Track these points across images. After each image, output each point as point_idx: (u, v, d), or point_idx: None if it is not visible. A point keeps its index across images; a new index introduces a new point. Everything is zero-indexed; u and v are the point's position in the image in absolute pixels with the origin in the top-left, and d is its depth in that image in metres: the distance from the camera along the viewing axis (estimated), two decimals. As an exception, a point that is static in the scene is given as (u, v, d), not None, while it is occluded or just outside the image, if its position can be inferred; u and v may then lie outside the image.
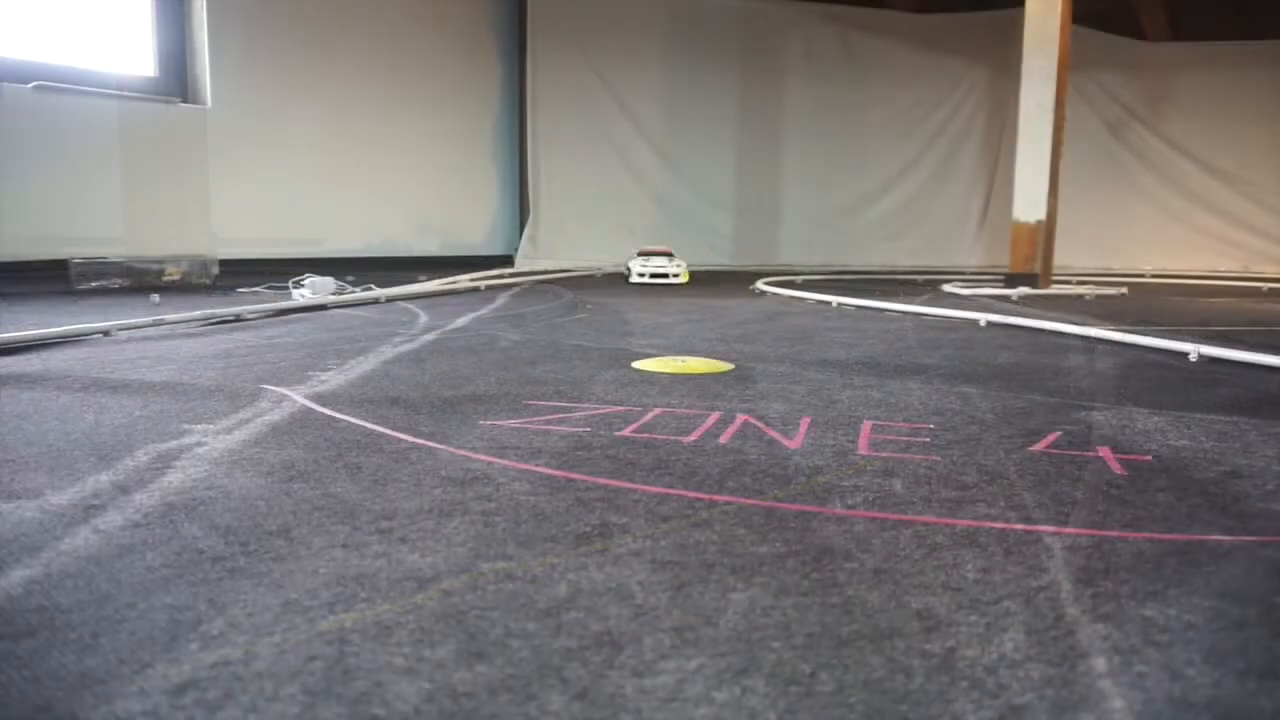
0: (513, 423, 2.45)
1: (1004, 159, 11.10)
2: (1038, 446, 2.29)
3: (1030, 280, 7.45)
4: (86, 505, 1.71)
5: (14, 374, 3.04)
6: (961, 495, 1.86)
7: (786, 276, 8.89)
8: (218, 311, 4.69)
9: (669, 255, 8.33)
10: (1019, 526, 1.67)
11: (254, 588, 1.35)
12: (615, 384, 3.04)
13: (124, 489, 1.81)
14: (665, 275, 8.03)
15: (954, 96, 11.69)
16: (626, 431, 2.37)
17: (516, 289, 7.22)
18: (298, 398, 2.72)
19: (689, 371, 3.32)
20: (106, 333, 3.94)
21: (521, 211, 10.55)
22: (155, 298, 5.53)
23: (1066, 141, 7.71)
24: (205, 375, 3.08)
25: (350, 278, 6.45)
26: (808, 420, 2.55)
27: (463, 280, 7.14)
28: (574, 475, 1.96)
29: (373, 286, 6.05)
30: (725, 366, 3.43)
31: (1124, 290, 7.71)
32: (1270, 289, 8.46)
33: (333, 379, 3.05)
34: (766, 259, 11.26)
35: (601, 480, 1.93)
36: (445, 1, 9.78)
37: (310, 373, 3.15)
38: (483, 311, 5.39)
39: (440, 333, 4.34)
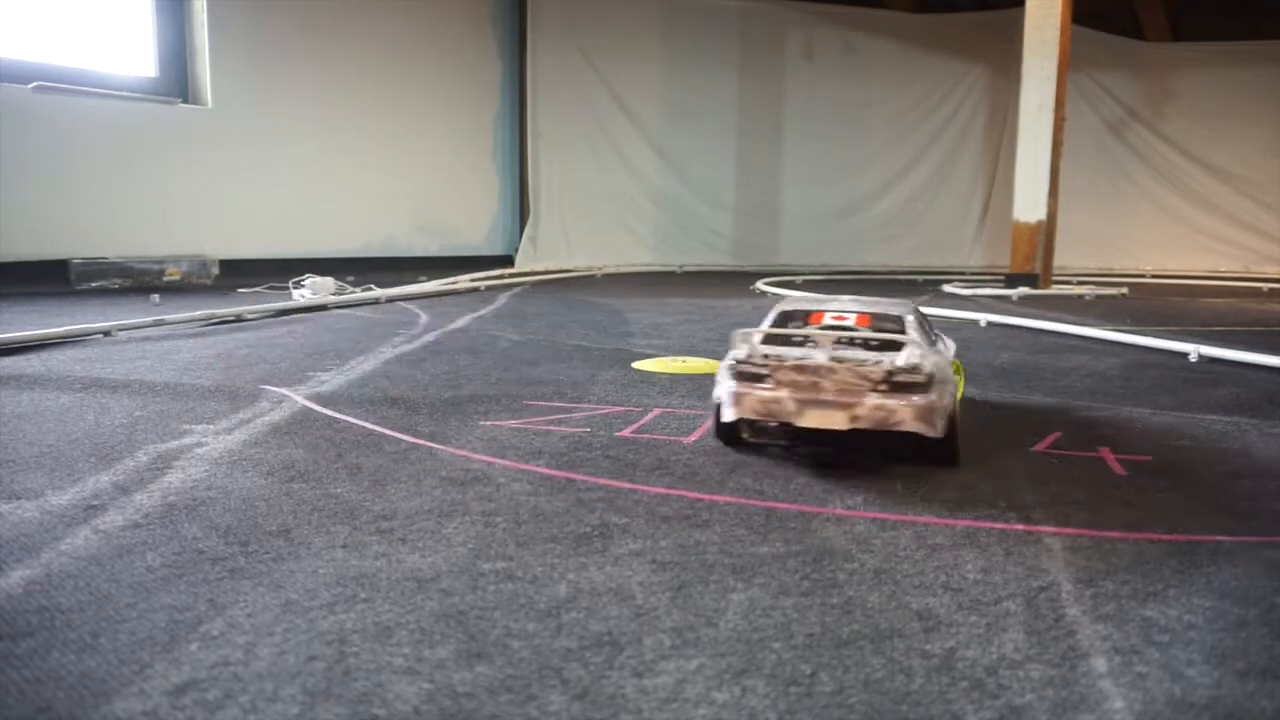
0: (513, 423, 2.45)
1: (1004, 159, 11.09)
2: (1038, 447, 2.29)
3: (1030, 280, 7.45)
4: (86, 506, 1.71)
5: (14, 374, 3.04)
6: (961, 495, 1.86)
7: (787, 277, 8.89)
8: (218, 312, 4.69)
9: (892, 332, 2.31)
10: (1019, 527, 1.67)
11: (254, 588, 1.35)
12: (615, 384, 3.04)
13: (124, 489, 1.81)
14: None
15: (954, 96, 11.69)
16: (626, 432, 2.37)
17: (517, 289, 7.21)
18: (298, 398, 2.72)
19: (689, 371, 3.32)
20: (107, 333, 3.94)
21: (521, 212, 10.54)
22: (155, 298, 5.53)
23: (1066, 141, 7.71)
24: (205, 375, 3.08)
25: (350, 278, 6.45)
26: (808, 420, 2.54)
27: (463, 281, 7.14)
28: (574, 476, 1.96)
29: (373, 286, 6.05)
30: (725, 366, 3.43)
31: (1124, 290, 7.71)
32: (1271, 289, 8.46)
33: (333, 379, 3.05)
34: (767, 259, 11.25)
35: (602, 481, 1.93)
36: (445, 1, 9.78)
37: (310, 373, 3.15)
38: (483, 312, 5.38)
39: (440, 333, 4.34)
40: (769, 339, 2.14)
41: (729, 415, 2.08)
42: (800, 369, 2.01)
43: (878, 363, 1.99)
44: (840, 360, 2.00)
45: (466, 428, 2.38)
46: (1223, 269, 10.92)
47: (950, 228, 11.81)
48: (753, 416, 2.07)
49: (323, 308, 5.35)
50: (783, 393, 2.02)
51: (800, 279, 8.54)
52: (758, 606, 1.31)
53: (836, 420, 1.99)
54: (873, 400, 1.98)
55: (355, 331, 4.32)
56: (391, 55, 9.14)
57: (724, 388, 2.09)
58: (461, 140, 10.11)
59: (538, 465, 2.04)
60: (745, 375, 2.07)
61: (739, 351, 2.10)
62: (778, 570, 1.44)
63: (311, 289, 5.80)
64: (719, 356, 3.65)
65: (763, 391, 2.03)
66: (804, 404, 2.00)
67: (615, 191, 10.80)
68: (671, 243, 11.01)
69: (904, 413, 1.96)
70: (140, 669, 1.10)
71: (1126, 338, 4.31)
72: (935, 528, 1.66)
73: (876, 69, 11.49)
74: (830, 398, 1.99)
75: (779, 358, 2.04)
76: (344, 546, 1.52)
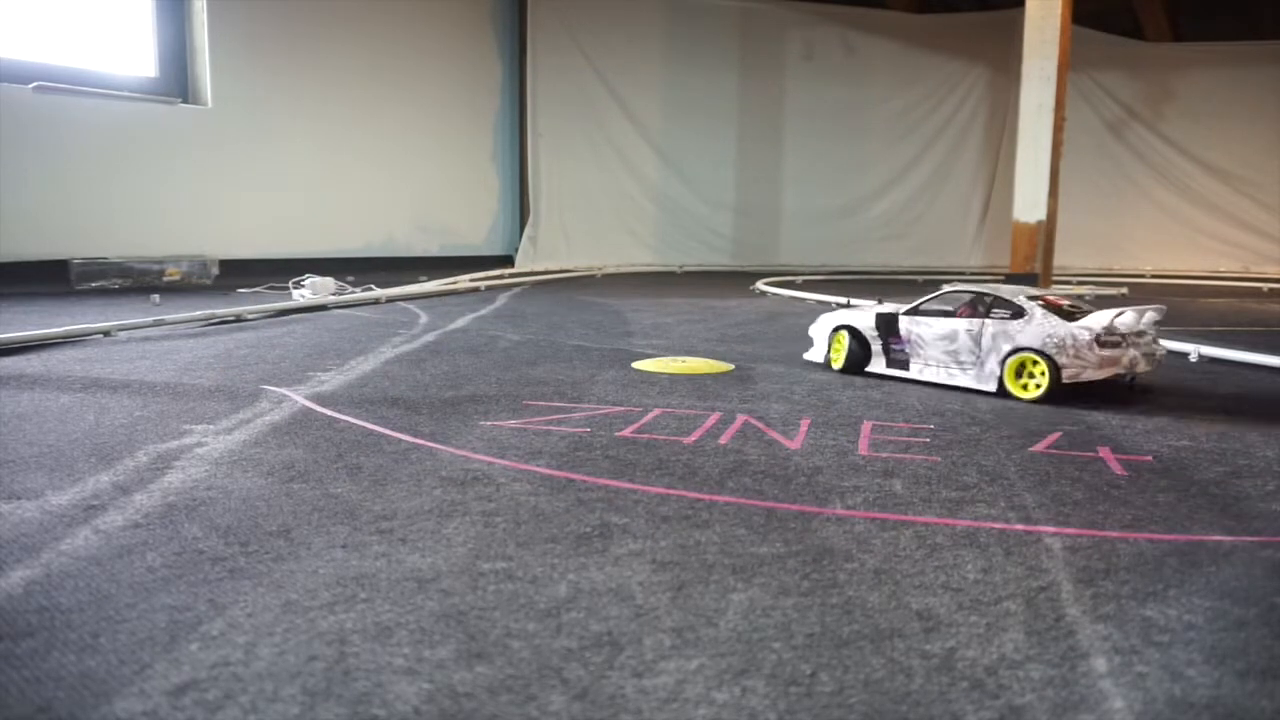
0: (513, 423, 2.45)
1: (1004, 159, 11.09)
2: (1038, 447, 2.29)
3: (1030, 280, 7.45)
4: (86, 506, 1.71)
5: (14, 374, 3.04)
6: (962, 495, 1.86)
7: (787, 277, 8.89)
8: (218, 312, 4.69)
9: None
10: (1019, 527, 1.67)
11: (254, 588, 1.35)
12: (615, 384, 3.04)
13: (124, 489, 1.81)
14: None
15: (954, 96, 11.69)
16: (627, 432, 2.37)
17: (517, 289, 7.22)
18: (298, 398, 2.72)
19: (689, 372, 3.32)
20: (107, 333, 3.94)
21: (521, 211, 10.54)
22: (155, 298, 5.53)
23: (1066, 141, 7.71)
24: (205, 375, 3.08)
25: (350, 278, 6.45)
26: (808, 421, 2.54)
27: (463, 281, 7.14)
28: (574, 476, 1.96)
29: (373, 286, 6.05)
30: (725, 367, 3.43)
31: (1124, 290, 7.71)
32: (1271, 289, 8.46)
33: (333, 379, 3.05)
34: (767, 259, 11.25)
35: (602, 481, 1.93)
36: (446, 2, 9.78)
37: (310, 373, 3.15)
38: (483, 312, 5.38)
39: (440, 333, 4.34)
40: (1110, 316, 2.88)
41: (1105, 374, 2.84)
42: (1136, 334, 2.88)
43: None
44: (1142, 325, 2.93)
45: (466, 428, 2.38)
46: (1223, 269, 10.92)
47: (950, 228, 11.82)
48: (1122, 371, 2.86)
49: (323, 308, 5.35)
50: (1135, 351, 2.87)
51: (800, 279, 8.55)
52: (758, 606, 1.31)
53: (1147, 364, 2.93)
54: (1157, 348, 2.97)
55: (355, 331, 4.32)
56: (392, 55, 9.14)
57: (1090, 355, 2.83)
58: (461, 140, 10.10)
59: (538, 465, 2.04)
60: (1109, 344, 2.83)
61: (1095, 326, 2.84)
62: (778, 570, 1.44)
63: (311, 289, 5.80)
64: (719, 357, 3.66)
65: (1130, 353, 2.85)
66: (1141, 356, 2.88)
67: (615, 191, 10.80)
68: (671, 243, 11.01)
69: (1162, 351, 3.01)
70: (140, 669, 1.10)
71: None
72: (935, 528, 1.66)
73: (876, 69, 11.49)
74: (1143, 350, 2.89)
75: (1123, 328, 2.85)
76: (344, 546, 1.52)
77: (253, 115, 7.99)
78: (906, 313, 3.27)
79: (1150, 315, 2.92)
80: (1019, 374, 2.92)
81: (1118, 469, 2.09)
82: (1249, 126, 11.32)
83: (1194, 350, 3.80)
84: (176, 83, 7.69)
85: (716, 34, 11.07)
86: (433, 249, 9.68)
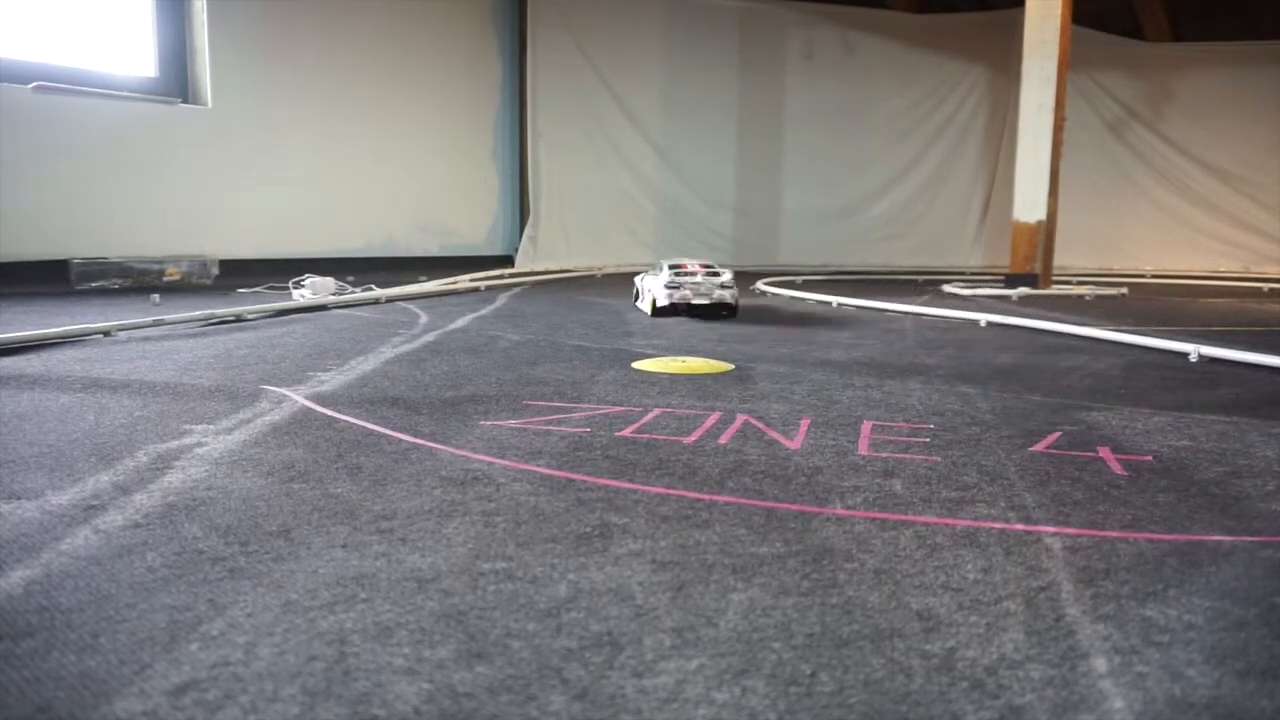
0: (513, 423, 2.45)
1: (1004, 159, 11.11)
2: (1038, 447, 2.29)
3: (1030, 280, 7.45)
4: (86, 505, 1.71)
5: (14, 374, 3.04)
6: (962, 495, 1.86)
7: (787, 276, 8.89)
8: (218, 312, 4.69)
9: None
10: (1019, 527, 1.67)
11: (254, 588, 1.35)
12: (615, 384, 3.04)
13: (124, 489, 1.81)
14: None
15: (954, 96, 11.70)
16: (627, 432, 2.37)
17: (517, 289, 7.21)
18: (298, 398, 2.72)
19: (689, 372, 3.32)
20: (107, 333, 3.94)
21: (521, 212, 10.55)
22: (155, 298, 5.53)
23: (1066, 141, 7.71)
24: (205, 375, 3.08)
25: (350, 278, 6.45)
26: (808, 421, 2.54)
27: (463, 281, 7.14)
28: (574, 476, 1.96)
29: (373, 286, 6.05)
30: (725, 367, 3.43)
31: (1124, 290, 7.71)
32: (1271, 289, 8.46)
33: (333, 379, 3.05)
34: (767, 259, 11.26)
35: (602, 481, 1.93)
36: (446, 2, 9.79)
37: (310, 373, 3.15)
38: (483, 312, 5.38)
39: (440, 333, 4.34)
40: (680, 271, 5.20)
41: (672, 301, 5.05)
42: (695, 281, 5.05)
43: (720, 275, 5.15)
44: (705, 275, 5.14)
45: (466, 428, 2.38)
46: (1223, 269, 10.92)
47: (950, 228, 11.82)
48: (679, 301, 5.02)
49: (323, 308, 5.35)
50: (688, 290, 5.03)
51: (800, 279, 8.54)
52: (758, 606, 1.31)
53: (706, 299, 5.04)
54: (722, 292, 5.08)
55: (355, 331, 4.32)
56: (392, 55, 9.14)
57: (662, 293, 5.03)
58: (461, 140, 10.11)
59: (538, 465, 2.04)
60: (671, 287, 5.02)
61: (667, 278, 5.07)
62: (778, 570, 1.44)
63: (311, 289, 5.80)
64: (719, 357, 3.66)
65: (684, 291, 5.03)
66: (693, 294, 5.05)
67: (615, 191, 10.81)
68: (671, 243, 11.02)
69: (731, 292, 5.12)
70: (140, 669, 1.10)
71: (1126, 338, 4.31)
72: (935, 528, 1.66)
73: (876, 69, 11.50)
74: (702, 291, 5.04)
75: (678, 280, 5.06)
76: (344, 546, 1.52)
77: (252, 115, 7.99)
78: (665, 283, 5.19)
79: (714, 274, 5.14)
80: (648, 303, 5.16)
81: (1118, 469, 2.09)
82: (1249, 126, 11.33)
83: (1194, 350, 3.80)
84: (176, 83, 7.69)
85: (716, 33, 11.07)
86: (433, 249, 9.69)
